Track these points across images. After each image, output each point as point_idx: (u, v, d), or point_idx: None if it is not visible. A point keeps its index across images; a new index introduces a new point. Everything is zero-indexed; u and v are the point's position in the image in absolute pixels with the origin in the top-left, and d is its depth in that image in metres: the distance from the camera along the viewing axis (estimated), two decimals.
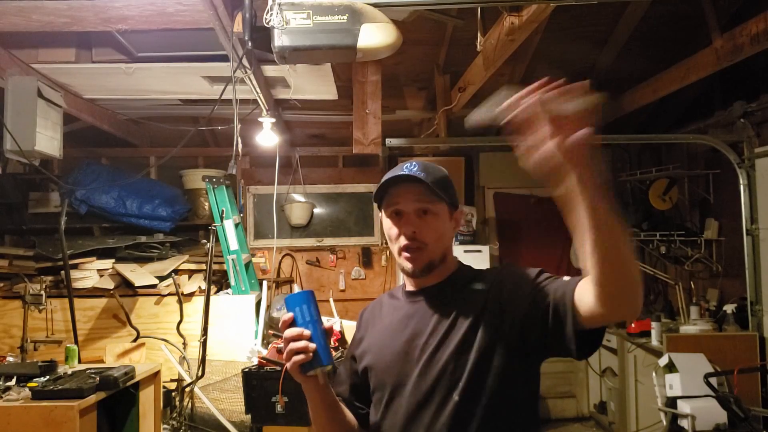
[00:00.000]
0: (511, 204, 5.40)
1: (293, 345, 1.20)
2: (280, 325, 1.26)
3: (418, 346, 1.27)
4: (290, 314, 1.23)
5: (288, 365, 1.23)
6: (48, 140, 3.06)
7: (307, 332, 1.21)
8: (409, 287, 1.37)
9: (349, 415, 1.40)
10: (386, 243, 5.38)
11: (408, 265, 1.30)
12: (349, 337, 3.45)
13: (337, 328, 3.78)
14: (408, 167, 1.31)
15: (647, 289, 5.28)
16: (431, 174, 1.29)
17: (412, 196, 1.29)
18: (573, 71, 4.39)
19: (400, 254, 1.31)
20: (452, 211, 1.34)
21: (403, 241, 1.29)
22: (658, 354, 3.73)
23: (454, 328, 1.25)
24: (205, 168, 4.94)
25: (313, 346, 1.20)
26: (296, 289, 5.16)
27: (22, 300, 3.56)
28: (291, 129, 5.06)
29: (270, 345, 3.61)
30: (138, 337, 3.95)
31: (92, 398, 2.58)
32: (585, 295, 1.07)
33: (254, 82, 3.05)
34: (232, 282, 4.27)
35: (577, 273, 1.13)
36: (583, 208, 0.94)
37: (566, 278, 1.18)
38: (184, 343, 3.95)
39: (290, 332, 1.21)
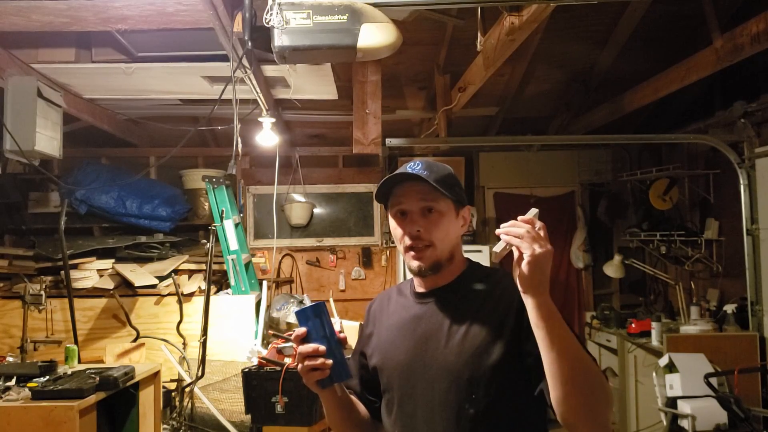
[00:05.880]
0: (511, 204, 5.39)
1: (309, 363, 1.18)
2: (292, 338, 1.23)
3: (430, 350, 1.26)
4: (303, 329, 1.20)
5: (304, 380, 1.21)
6: (48, 140, 3.06)
7: (322, 348, 1.18)
8: (419, 288, 1.36)
9: (362, 409, 1.40)
10: (386, 243, 5.39)
11: (415, 264, 1.29)
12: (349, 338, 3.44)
13: (337, 328, 3.78)
14: (411, 166, 1.30)
15: (648, 289, 5.29)
16: (435, 172, 1.28)
17: (415, 195, 1.28)
18: (573, 71, 4.40)
19: (406, 253, 1.30)
20: (458, 208, 1.33)
21: (407, 240, 1.28)
22: (659, 354, 3.73)
23: (469, 336, 1.23)
24: (205, 168, 4.93)
25: (329, 362, 1.18)
26: (297, 289, 5.16)
27: (22, 300, 3.56)
28: (291, 129, 5.05)
29: (270, 345, 3.61)
30: (138, 337, 3.95)
31: (92, 398, 2.58)
32: (553, 405, 1.12)
33: (254, 82, 3.05)
34: (232, 282, 4.27)
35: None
36: (544, 334, 1.05)
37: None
38: (184, 343, 3.96)
39: (305, 349, 1.19)
